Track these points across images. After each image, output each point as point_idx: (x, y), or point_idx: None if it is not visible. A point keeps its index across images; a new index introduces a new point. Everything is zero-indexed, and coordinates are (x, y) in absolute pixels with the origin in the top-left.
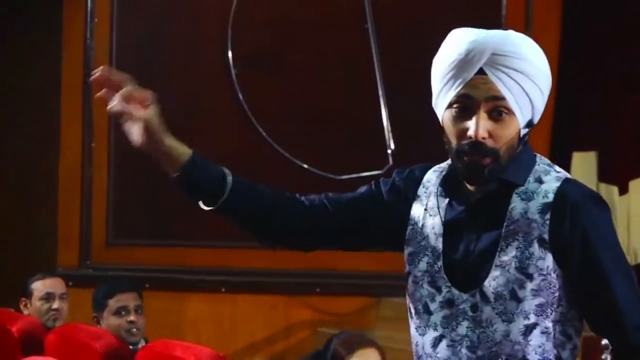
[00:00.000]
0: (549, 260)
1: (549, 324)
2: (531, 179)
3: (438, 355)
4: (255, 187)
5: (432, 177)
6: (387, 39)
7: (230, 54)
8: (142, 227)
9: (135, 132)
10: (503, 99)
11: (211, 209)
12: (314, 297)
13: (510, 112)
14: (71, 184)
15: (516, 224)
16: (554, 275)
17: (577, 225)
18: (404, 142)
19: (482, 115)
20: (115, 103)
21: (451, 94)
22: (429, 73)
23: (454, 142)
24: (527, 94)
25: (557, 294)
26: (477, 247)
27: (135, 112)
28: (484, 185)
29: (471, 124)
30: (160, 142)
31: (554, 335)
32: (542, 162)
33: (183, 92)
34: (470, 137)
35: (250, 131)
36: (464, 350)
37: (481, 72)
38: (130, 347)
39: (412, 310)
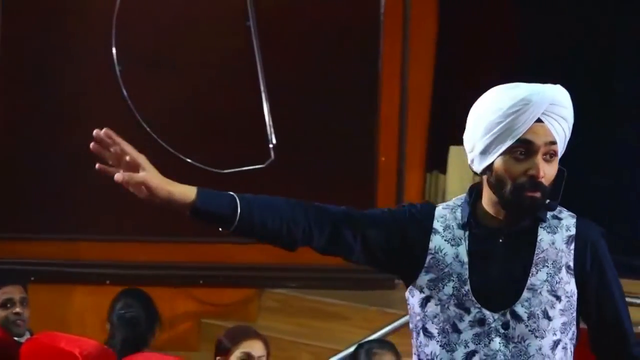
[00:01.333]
0: (572, 285)
1: (567, 341)
2: (549, 216)
3: None
4: (272, 203)
5: (444, 212)
6: (269, 35)
7: (114, 50)
8: (27, 221)
9: (137, 190)
10: (555, 143)
11: (231, 231)
12: (197, 288)
13: (556, 154)
14: None
15: (545, 252)
16: (574, 298)
17: (595, 259)
18: (286, 136)
19: (540, 157)
20: (118, 175)
21: (510, 140)
22: (309, 68)
23: (510, 181)
24: (565, 137)
25: (574, 314)
26: (508, 272)
27: (133, 178)
28: (533, 217)
29: (532, 165)
30: (163, 193)
31: (568, 350)
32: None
33: (68, 88)
34: (531, 176)
35: (135, 127)
36: None
37: (537, 120)
38: (15, 338)
39: (435, 330)
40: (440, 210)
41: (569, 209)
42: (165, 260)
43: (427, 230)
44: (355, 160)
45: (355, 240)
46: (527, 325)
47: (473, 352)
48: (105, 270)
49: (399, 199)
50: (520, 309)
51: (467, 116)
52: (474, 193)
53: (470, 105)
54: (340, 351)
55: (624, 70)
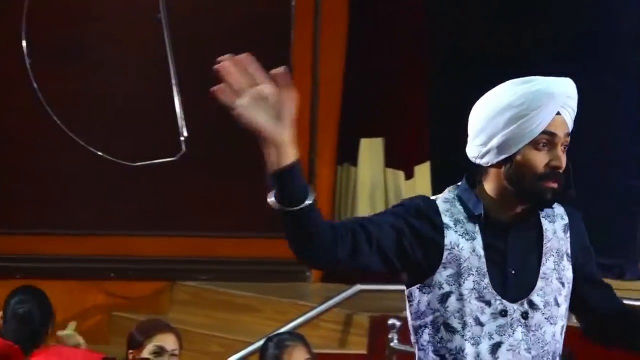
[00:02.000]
0: (571, 271)
1: (566, 325)
2: None
3: (499, 359)
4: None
5: (447, 207)
6: (180, 27)
7: (24, 43)
8: None
9: (262, 115)
10: (570, 135)
11: (287, 212)
12: (108, 282)
13: (568, 145)
14: None
15: (551, 242)
16: (571, 284)
17: (585, 243)
18: (197, 129)
19: (560, 149)
20: (265, 87)
21: (536, 132)
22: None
23: (532, 172)
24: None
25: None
26: (523, 263)
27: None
28: (549, 207)
29: (554, 157)
30: (283, 132)
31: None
32: None
33: None
34: (554, 167)
35: (46, 120)
36: (522, 352)
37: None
38: None
39: (459, 325)
40: (442, 204)
41: None
42: (76, 253)
43: (439, 226)
44: None
45: (371, 249)
46: (543, 314)
47: (499, 344)
48: (16, 264)
49: None
50: (536, 298)
51: (378, 110)
52: (473, 185)
53: (381, 99)
54: (252, 343)
55: (522, 68)
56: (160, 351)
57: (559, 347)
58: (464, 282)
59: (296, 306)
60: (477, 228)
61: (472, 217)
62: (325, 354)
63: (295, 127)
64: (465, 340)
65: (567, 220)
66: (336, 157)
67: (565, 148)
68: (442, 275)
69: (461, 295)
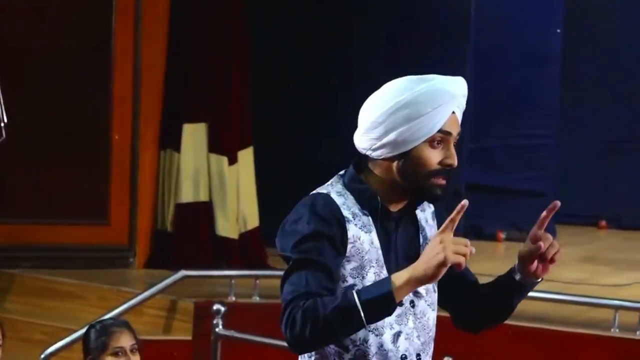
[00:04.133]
0: None
1: None
2: None
3: (399, 348)
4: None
5: (342, 200)
6: (4, 15)
7: None
8: None
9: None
10: (459, 133)
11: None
12: None
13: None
14: None
15: (425, 230)
16: None
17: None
18: (18, 115)
19: (452, 147)
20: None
21: (433, 129)
22: (41, 45)
23: (426, 168)
24: None
25: None
26: (408, 252)
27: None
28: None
29: (448, 155)
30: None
31: None
32: None
33: None
34: (448, 165)
35: None
36: (414, 340)
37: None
38: None
39: None
40: (337, 198)
41: (296, 186)
42: None
43: (342, 220)
44: (89, 139)
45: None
46: (426, 301)
47: (398, 333)
48: None
49: (133, 176)
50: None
51: (200, 95)
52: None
53: (203, 84)
54: (75, 330)
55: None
56: None
57: (435, 331)
58: (366, 275)
59: (119, 292)
60: (371, 220)
61: (365, 209)
62: (149, 340)
63: (118, 112)
64: (369, 331)
65: (432, 208)
66: (159, 142)
67: (454, 145)
68: (346, 268)
69: (364, 287)
